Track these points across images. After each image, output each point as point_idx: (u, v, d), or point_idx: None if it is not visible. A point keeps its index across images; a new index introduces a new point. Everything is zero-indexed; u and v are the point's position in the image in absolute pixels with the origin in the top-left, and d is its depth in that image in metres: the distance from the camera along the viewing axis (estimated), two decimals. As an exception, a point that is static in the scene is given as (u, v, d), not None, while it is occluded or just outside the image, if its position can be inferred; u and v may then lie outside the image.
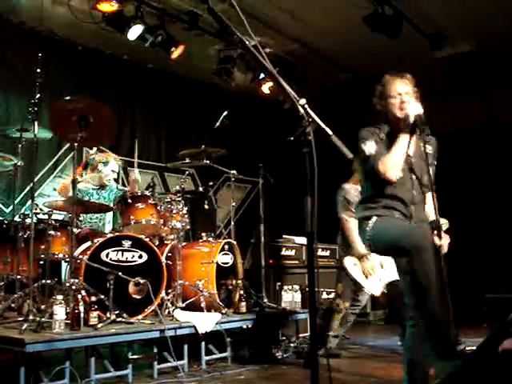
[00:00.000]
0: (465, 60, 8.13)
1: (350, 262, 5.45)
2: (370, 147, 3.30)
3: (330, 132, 2.00)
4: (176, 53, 7.26)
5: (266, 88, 8.21)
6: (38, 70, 4.66)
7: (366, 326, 8.61)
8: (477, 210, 8.96)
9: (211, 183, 6.84)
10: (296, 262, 7.41)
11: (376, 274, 5.37)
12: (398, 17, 6.86)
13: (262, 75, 7.91)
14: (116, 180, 6.51)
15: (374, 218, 3.32)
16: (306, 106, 1.99)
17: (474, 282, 8.19)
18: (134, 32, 6.74)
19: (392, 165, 3.18)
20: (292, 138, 1.99)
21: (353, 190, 5.58)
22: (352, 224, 5.35)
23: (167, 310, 5.04)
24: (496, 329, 2.79)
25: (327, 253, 7.83)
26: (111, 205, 5.74)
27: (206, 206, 6.66)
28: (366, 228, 3.35)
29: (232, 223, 6.56)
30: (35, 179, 4.72)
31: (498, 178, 8.94)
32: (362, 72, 8.66)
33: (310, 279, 1.92)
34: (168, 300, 5.11)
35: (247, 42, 2.04)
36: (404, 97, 3.30)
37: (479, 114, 9.52)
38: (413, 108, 3.23)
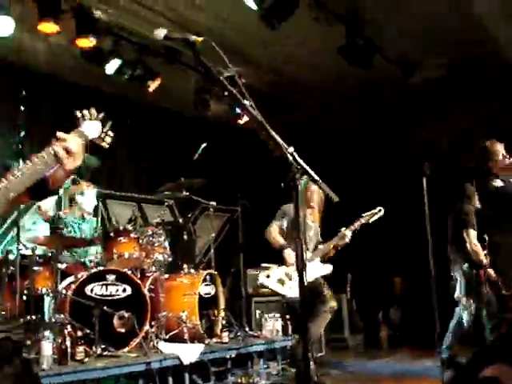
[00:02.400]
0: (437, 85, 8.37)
1: (262, 277, 5.62)
2: None
3: (318, 178, 2.13)
4: (153, 86, 7.36)
5: (241, 121, 8.31)
6: (22, 108, 4.72)
7: (346, 351, 8.69)
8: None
9: (190, 214, 6.91)
10: (275, 289, 7.48)
11: (292, 277, 5.54)
12: (370, 47, 7.07)
13: (238, 110, 8.02)
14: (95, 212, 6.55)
15: None
16: (295, 153, 2.12)
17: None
18: (112, 66, 6.84)
19: None
20: (282, 185, 2.11)
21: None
22: (271, 228, 5.84)
23: (152, 343, 5.08)
24: (473, 356, 2.91)
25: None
26: (90, 237, 5.79)
27: (186, 237, 6.73)
28: None
29: (212, 252, 6.65)
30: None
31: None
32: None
33: (303, 314, 2.03)
34: (152, 332, 5.16)
35: (242, 100, 2.16)
36: None
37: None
38: None
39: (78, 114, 2.53)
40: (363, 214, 5.93)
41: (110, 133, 2.75)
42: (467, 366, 2.35)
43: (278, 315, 6.72)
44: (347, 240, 5.78)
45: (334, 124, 9.62)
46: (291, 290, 5.48)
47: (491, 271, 5.07)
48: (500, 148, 5.21)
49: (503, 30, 6.59)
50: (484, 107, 9.09)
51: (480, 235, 5.14)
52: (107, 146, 2.64)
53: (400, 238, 10.01)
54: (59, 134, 2.30)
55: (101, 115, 2.65)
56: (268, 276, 5.57)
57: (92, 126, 2.50)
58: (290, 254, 5.57)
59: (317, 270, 5.76)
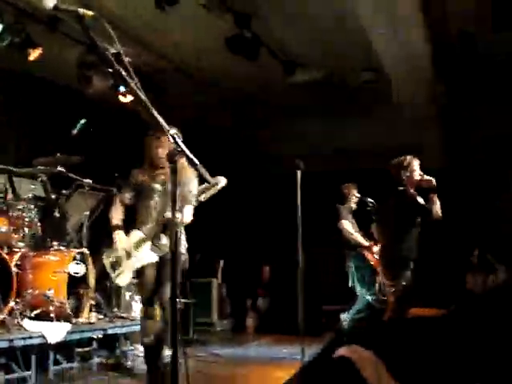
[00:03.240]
0: (316, 86, 8.72)
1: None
2: None
3: (197, 161, 2.20)
4: (33, 55, 7.07)
5: (125, 99, 8.19)
6: None
7: (213, 335, 8.86)
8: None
9: (64, 191, 6.71)
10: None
11: (124, 264, 4.86)
12: (256, 41, 7.23)
13: (122, 88, 7.91)
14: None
15: None
16: (176, 136, 2.17)
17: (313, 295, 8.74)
18: (-9, 31, 6.50)
19: None
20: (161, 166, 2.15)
21: None
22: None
23: (16, 320, 4.93)
24: (330, 338, 3.10)
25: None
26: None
27: (57, 214, 6.54)
28: None
29: (84, 231, 6.54)
30: None
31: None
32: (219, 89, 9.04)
33: (173, 294, 2.09)
34: (17, 309, 5.00)
35: (128, 78, 2.17)
36: None
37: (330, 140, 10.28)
38: None
39: None
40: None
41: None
42: (325, 347, 2.46)
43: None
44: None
45: (211, 117, 9.77)
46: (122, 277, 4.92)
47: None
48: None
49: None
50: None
51: None
52: None
53: (271, 227, 10.37)
54: None
55: None
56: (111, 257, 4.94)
57: None
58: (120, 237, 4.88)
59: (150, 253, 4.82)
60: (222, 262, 9.91)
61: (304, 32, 7.39)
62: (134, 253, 4.76)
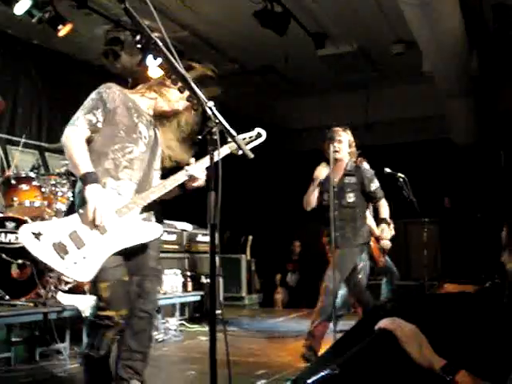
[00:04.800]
0: (346, 59, 8.63)
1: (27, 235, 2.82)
2: None
3: (235, 133, 2.18)
4: (63, 31, 7.07)
5: (152, 73, 8.17)
6: None
7: (242, 309, 8.93)
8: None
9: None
10: (177, 246, 7.55)
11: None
12: (286, 14, 7.15)
13: (150, 63, 7.90)
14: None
15: None
16: (214, 108, 2.15)
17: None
18: (22, 6, 6.50)
19: None
20: (199, 137, 2.14)
21: None
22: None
23: (50, 293, 5.00)
24: (368, 312, 3.08)
25: (207, 238, 8.04)
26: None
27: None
28: None
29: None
30: None
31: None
32: (249, 64, 8.99)
33: (212, 268, 2.09)
34: (51, 283, 5.07)
35: (162, 46, 2.15)
36: None
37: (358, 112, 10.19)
38: None
39: None
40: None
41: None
42: (366, 318, 2.43)
43: (178, 271, 6.81)
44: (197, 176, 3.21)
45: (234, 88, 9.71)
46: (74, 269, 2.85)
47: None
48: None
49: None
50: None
51: None
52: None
53: (301, 202, 10.33)
54: None
55: None
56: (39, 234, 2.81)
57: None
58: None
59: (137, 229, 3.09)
60: (251, 238, 9.93)
61: (334, 4, 7.28)
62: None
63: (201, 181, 3.17)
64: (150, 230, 3.11)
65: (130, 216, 3.01)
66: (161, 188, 3.11)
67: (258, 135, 3.53)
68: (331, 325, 4.68)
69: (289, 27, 7.15)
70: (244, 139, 3.41)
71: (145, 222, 3.13)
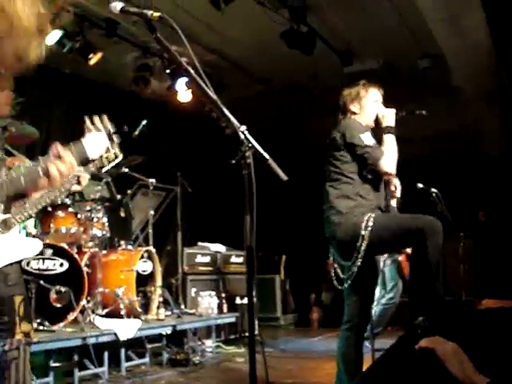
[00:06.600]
0: (371, 75, 8.60)
1: None
2: (368, 139, 3.75)
3: (267, 156, 2.20)
4: (94, 59, 7.24)
5: (182, 97, 8.30)
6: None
7: (277, 330, 8.89)
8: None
9: (129, 191, 6.87)
10: (211, 268, 7.58)
11: None
12: (312, 34, 7.19)
13: (180, 88, 8.03)
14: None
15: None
16: (246, 132, 2.18)
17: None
18: (53, 37, 6.68)
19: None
20: (233, 162, 2.17)
21: None
22: None
23: (88, 318, 5.07)
24: (406, 331, 3.05)
25: (240, 259, 8.06)
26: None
27: (122, 214, 6.69)
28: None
29: (150, 230, 6.66)
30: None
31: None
32: (276, 84, 9.04)
33: (249, 289, 2.10)
34: (89, 308, 5.15)
35: (192, 72, 2.19)
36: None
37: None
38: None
39: (88, 121, 2.34)
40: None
41: (117, 152, 2.55)
42: (404, 337, 2.42)
43: (213, 293, 6.83)
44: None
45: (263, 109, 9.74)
46: None
47: None
48: None
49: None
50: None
51: None
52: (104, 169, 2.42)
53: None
54: (57, 149, 2.19)
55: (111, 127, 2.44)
56: None
57: (96, 142, 2.30)
58: None
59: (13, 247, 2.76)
60: (284, 258, 9.92)
61: (358, 21, 7.30)
62: None
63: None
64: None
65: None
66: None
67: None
68: (367, 343, 4.64)
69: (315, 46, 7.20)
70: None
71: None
